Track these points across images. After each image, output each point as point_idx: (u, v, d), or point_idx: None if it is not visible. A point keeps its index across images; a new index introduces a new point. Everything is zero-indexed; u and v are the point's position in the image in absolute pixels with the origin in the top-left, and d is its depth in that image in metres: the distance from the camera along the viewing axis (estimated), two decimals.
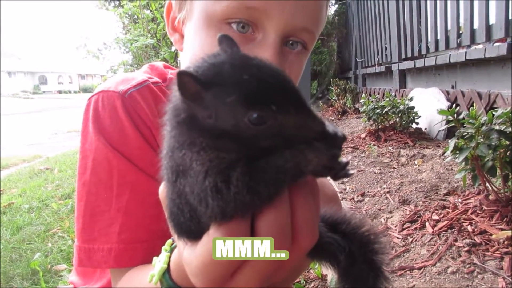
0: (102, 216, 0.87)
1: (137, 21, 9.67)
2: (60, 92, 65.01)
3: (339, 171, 0.49)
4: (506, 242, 1.82)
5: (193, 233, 0.50)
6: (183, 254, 0.52)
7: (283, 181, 0.46)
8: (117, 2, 11.20)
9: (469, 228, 2.00)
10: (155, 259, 0.68)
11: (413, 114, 4.46)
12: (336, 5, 11.26)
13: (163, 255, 0.66)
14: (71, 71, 72.96)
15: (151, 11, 8.68)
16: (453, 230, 2.05)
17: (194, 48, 0.87)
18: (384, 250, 0.62)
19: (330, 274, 2.07)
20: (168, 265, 0.64)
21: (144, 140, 0.88)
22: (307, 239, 0.48)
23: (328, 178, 0.54)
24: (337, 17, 11.07)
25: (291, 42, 0.87)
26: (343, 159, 0.50)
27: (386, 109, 4.54)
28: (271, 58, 0.81)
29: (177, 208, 0.50)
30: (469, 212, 2.14)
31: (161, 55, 7.75)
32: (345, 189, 3.25)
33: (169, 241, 0.67)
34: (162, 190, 0.55)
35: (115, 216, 0.86)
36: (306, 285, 2.17)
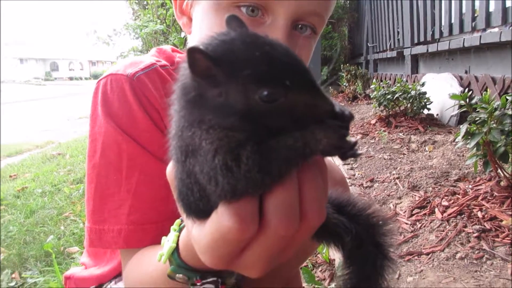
0: (112, 197, 0.88)
1: (146, 7, 9.63)
2: (71, 78, 65.47)
3: (348, 151, 0.48)
4: None
5: (202, 212, 0.50)
6: (192, 232, 0.53)
7: (293, 160, 0.45)
8: None
9: (479, 214, 1.98)
10: (164, 238, 0.69)
11: (425, 100, 4.39)
12: None
13: (172, 234, 0.66)
14: (82, 57, 73.26)
15: None
16: (462, 216, 2.03)
17: (203, 31, 0.87)
18: (391, 233, 0.61)
19: (338, 259, 2.08)
20: (177, 244, 0.65)
21: (153, 123, 0.89)
22: (315, 217, 0.48)
23: (338, 162, 0.53)
24: (348, 1, 10.86)
25: (300, 26, 0.87)
26: (352, 138, 0.49)
27: (397, 95, 4.48)
28: (281, 41, 0.80)
29: (186, 188, 0.50)
30: (480, 198, 2.12)
31: (170, 40, 7.73)
32: (354, 175, 3.24)
33: (177, 221, 0.68)
34: (170, 170, 0.55)
35: (124, 197, 0.87)
36: (313, 269, 2.19)
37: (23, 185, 4.20)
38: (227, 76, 0.42)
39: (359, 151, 0.50)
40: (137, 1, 9.87)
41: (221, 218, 0.46)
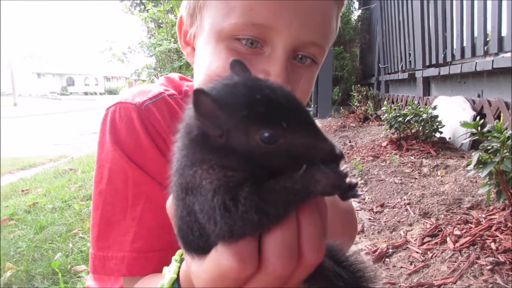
0: (118, 225, 0.88)
1: (161, 26, 9.86)
2: (86, 93, 66.86)
3: (348, 192, 0.49)
4: None
5: (201, 249, 0.51)
6: (191, 268, 0.53)
7: (292, 201, 0.46)
8: (142, 7, 11.46)
9: (493, 246, 1.93)
10: (165, 268, 0.69)
11: (437, 123, 4.34)
12: (360, 11, 11.15)
13: (173, 265, 0.67)
14: (97, 73, 74.89)
15: (175, 16, 8.83)
16: (475, 247, 1.98)
17: (204, 61, 0.89)
18: (377, 279, 0.61)
19: None
20: (178, 275, 0.65)
21: (159, 151, 0.90)
22: (313, 256, 0.48)
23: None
24: (360, 23, 10.97)
25: (300, 56, 0.87)
26: (352, 179, 0.50)
27: (408, 118, 4.44)
28: (279, 72, 0.82)
29: (186, 226, 0.51)
30: (493, 228, 2.07)
31: (183, 59, 7.86)
32: (364, 199, 3.20)
33: (179, 251, 0.68)
34: (170, 206, 0.56)
35: (129, 225, 0.88)
36: None
37: (35, 200, 4.24)
38: (229, 118, 0.44)
39: (359, 192, 0.51)
40: (152, 20, 10.12)
41: (221, 256, 0.47)
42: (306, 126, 0.45)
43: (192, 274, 0.53)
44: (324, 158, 0.46)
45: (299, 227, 0.47)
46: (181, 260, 0.67)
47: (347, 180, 0.48)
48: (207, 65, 0.87)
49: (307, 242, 0.47)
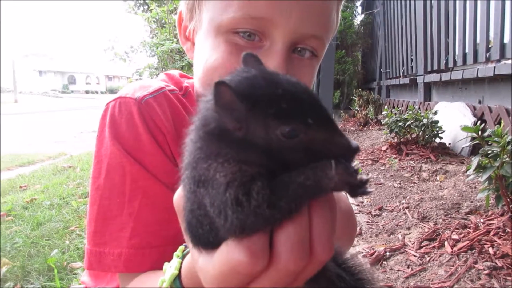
0: (114, 220, 0.87)
1: (164, 26, 9.87)
2: (87, 92, 66.84)
3: (358, 188, 0.48)
4: None
5: (210, 243, 0.50)
6: (198, 262, 0.52)
7: (304, 197, 0.45)
8: (145, 7, 11.48)
9: (491, 251, 1.92)
10: (166, 264, 0.68)
11: (437, 128, 4.34)
12: (363, 15, 11.18)
13: (175, 261, 0.66)
14: (99, 72, 74.92)
15: None
16: (473, 251, 1.97)
17: (204, 55, 0.89)
18: (377, 281, 0.61)
19: None
20: (179, 271, 0.64)
21: (158, 147, 0.89)
22: (324, 252, 0.48)
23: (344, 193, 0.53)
24: (362, 27, 10.99)
25: (299, 49, 0.87)
26: (363, 176, 0.49)
27: (408, 122, 4.44)
28: (279, 65, 0.82)
29: (196, 220, 0.50)
30: (491, 233, 2.06)
31: (186, 59, 7.86)
32: (362, 202, 3.19)
33: (181, 247, 0.67)
34: (178, 199, 0.55)
35: (126, 221, 0.87)
36: None
37: (32, 196, 4.23)
38: (249, 111, 0.43)
39: (370, 189, 0.50)
40: (155, 20, 10.13)
41: (231, 251, 0.46)
42: (326, 121, 0.46)
43: (200, 269, 0.52)
44: (341, 153, 0.46)
45: (310, 223, 0.47)
46: (183, 256, 0.66)
47: (358, 177, 0.48)
48: (207, 58, 0.87)
49: (319, 238, 0.47)
